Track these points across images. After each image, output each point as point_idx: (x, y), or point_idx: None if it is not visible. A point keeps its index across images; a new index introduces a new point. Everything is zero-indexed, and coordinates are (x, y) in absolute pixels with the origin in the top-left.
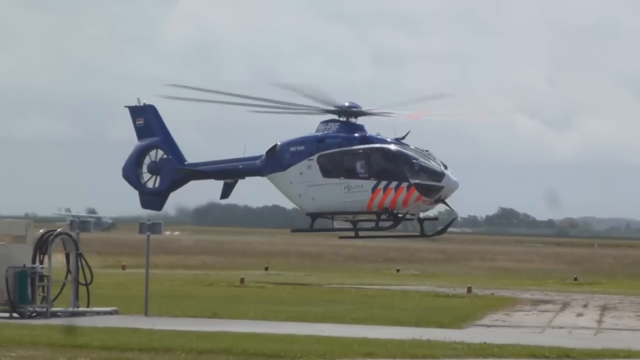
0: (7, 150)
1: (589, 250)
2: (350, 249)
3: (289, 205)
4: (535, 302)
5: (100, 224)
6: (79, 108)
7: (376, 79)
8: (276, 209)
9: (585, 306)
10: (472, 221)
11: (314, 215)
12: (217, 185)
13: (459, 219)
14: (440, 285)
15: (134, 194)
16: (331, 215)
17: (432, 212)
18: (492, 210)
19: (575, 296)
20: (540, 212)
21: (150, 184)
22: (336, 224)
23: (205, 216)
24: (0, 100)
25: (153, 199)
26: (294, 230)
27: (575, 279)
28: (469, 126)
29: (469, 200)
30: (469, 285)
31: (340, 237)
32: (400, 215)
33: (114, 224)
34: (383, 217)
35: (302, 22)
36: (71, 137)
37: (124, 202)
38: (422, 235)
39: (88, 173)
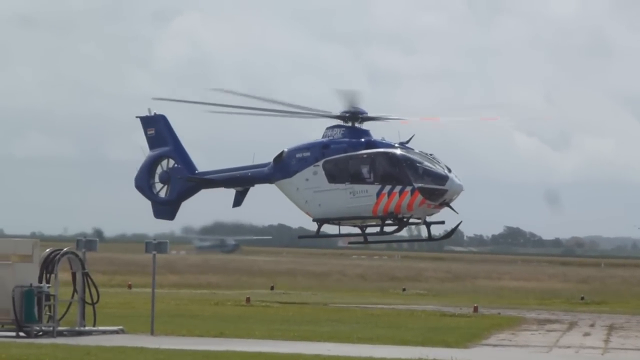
0: (8, 170)
1: (595, 270)
2: (357, 268)
3: (294, 224)
4: (542, 322)
5: (224, 246)
6: (78, 127)
7: (371, 97)
8: (282, 228)
9: (592, 326)
10: (478, 240)
11: (321, 221)
12: (224, 203)
13: (465, 238)
14: (446, 304)
15: (139, 212)
16: (337, 221)
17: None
18: (498, 230)
19: (582, 316)
20: (547, 231)
21: (162, 194)
22: (342, 230)
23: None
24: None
25: (165, 208)
26: (301, 237)
27: (582, 298)
28: (468, 144)
29: (475, 219)
30: (475, 305)
31: (350, 243)
32: (405, 220)
33: (238, 245)
34: (388, 221)
35: (296, 40)
36: (71, 156)
37: (129, 221)
38: (430, 239)
39: (90, 192)
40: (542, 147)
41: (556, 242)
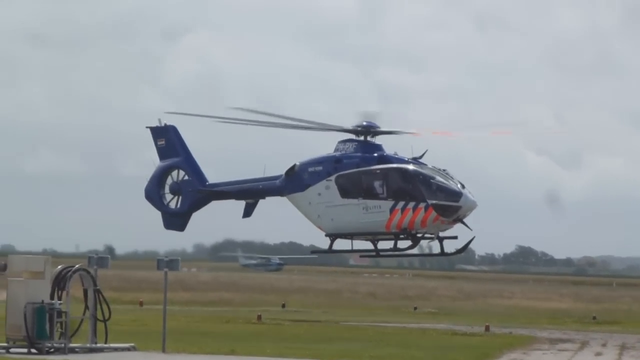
0: (18, 186)
1: (607, 289)
2: (368, 286)
3: (305, 241)
4: (554, 341)
5: (269, 265)
6: (87, 143)
7: (382, 115)
8: (293, 245)
9: (604, 345)
10: (489, 259)
11: (333, 236)
12: (235, 221)
13: (476, 256)
14: (457, 323)
15: (150, 229)
16: (350, 236)
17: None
18: (509, 249)
19: (594, 335)
20: (558, 250)
21: (172, 205)
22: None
23: (222, 252)
24: (8, 136)
25: (175, 219)
26: (313, 252)
27: (594, 318)
28: (479, 162)
29: (487, 238)
30: (487, 324)
31: (362, 256)
32: (418, 236)
33: (282, 264)
34: (401, 237)
35: (305, 58)
36: (81, 172)
37: (140, 238)
38: (442, 254)
39: (101, 208)
40: (553, 165)
41: (568, 262)
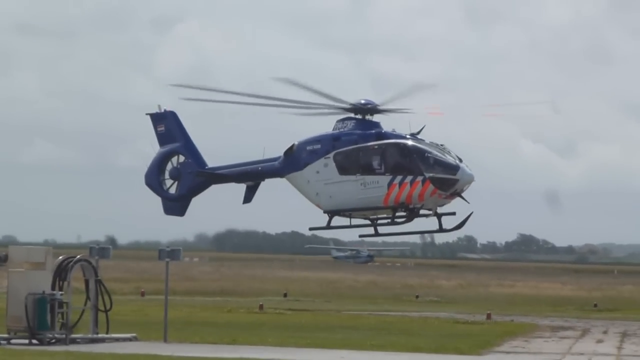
0: (16, 177)
1: (608, 277)
2: (370, 275)
3: (307, 231)
4: (555, 329)
5: (358, 257)
6: (83, 135)
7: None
8: (295, 235)
9: (605, 333)
10: (491, 247)
11: (332, 213)
12: (237, 209)
13: (478, 245)
14: (459, 311)
15: (152, 219)
16: (349, 212)
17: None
18: (511, 237)
19: (595, 323)
20: (560, 238)
21: (172, 190)
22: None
23: (224, 242)
24: (4, 128)
25: (175, 204)
26: (311, 229)
27: (595, 305)
28: (474, 152)
29: (489, 227)
30: (489, 312)
31: (361, 236)
32: (416, 210)
33: (372, 256)
34: (399, 212)
35: (296, 47)
36: (77, 163)
37: (142, 228)
38: (441, 230)
39: (101, 199)
40: (549, 154)
41: (569, 250)
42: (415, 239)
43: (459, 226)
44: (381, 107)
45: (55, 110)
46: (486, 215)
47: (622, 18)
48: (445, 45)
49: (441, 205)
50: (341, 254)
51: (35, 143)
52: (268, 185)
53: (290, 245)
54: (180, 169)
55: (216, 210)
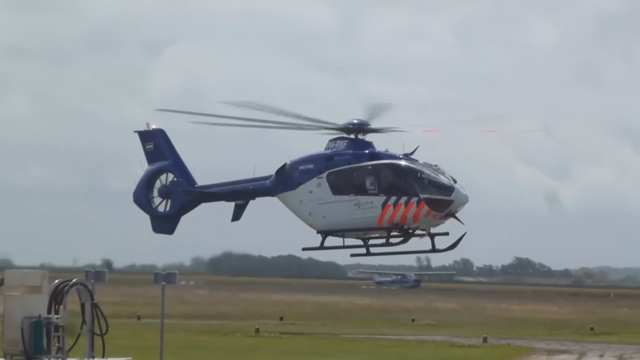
0: (11, 201)
1: (605, 300)
2: (366, 299)
3: (303, 254)
4: (552, 352)
5: (405, 282)
6: (76, 158)
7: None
8: (291, 258)
9: (601, 356)
10: (487, 271)
11: (325, 233)
12: (233, 232)
13: (474, 268)
14: (455, 335)
15: (148, 242)
16: (342, 232)
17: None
18: (507, 260)
19: (592, 346)
20: (556, 262)
21: (161, 208)
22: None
23: (220, 266)
24: None
25: (164, 222)
26: (305, 249)
27: (592, 328)
28: (469, 175)
29: (485, 250)
30: (485, 335)
31: (352, 255)
32: (410, 231)
33: (419, 281)
34: (393, 233)
35: (287, 70)
36: (71, 186)
37: (136, 251)
38: (434, 250)
39: (96, 222)
40: (543, 177)
41: (565, 273)
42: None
43: (453, 246)
44: (373, 127)
45: (47, 132)
46: (482, 239)
47: (611, 40)
48: (436, 67)
49: (435, 226)
50: (385, 279)
51: (28, 166)
52: (263, 208)
53: (287, 269)
54: (170, 187)
55: (212, 233)
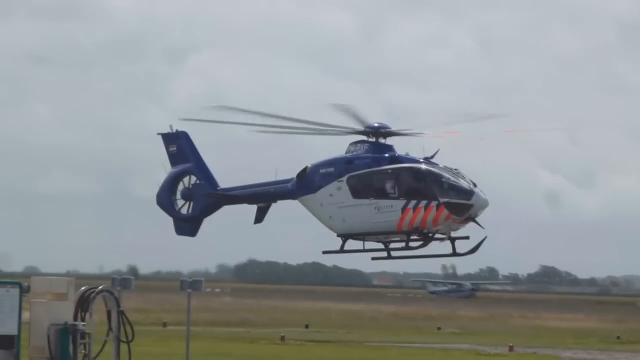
0: (34, 207)
1: (631, 309)
2: (391, 307)
3: (328, 262)
4: None
5: (461, 291)
6: (99, 164)
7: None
8: (316, 265)
9: None
10: (513, 279)
11: (345, 237)
12: (258, 239)
13: (500, 276)
14: (481, 343)
15: (172, 248)
16: (362, 236)
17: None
18: (533, 268)
19: (618, 355)
20: (582, 270)
21: (184, 210)
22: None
23: (245, 273)
24: (19, 157)
25: (187, 225)
26: (325, 252)
27: (618, 337)
28: (492, 182)
29: (511, 258)
30: (511, 344)
31: (373, 259)
32: (430, 235)
33: (476, 290)
34: (413, 237)
35: (309, 78)
36: (95, 193)
37: (161, 257)
38: (454, 254)
39: (121, 229)
40: (568, 185)
41: (592, 282)
42: (437, 269)
43: (473, 250)
44: (394, 130)
45: (70, 140)
46: (508, 247)
47: (635, 48)
48: (458, 75)
49: (455, 230)
50: (440, 288)
51: (52, 173)
52: (289, 215)
53: (312, 276)
54: (192, 190)
55: (237, 240)
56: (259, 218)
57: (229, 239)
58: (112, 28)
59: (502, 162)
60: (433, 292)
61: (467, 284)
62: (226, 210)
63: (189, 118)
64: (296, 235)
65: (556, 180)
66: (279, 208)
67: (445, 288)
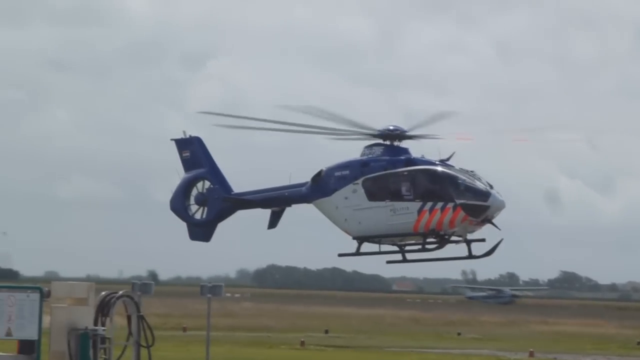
0: (55, 213)
1: None
2: (411, 312)
3: (348, 267)
4: None
5: (500, 297)
6: (118, 169)
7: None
8: (335, 271)
9: None
10: (533, 284)
11: (361, 239)
12: (277, 245)
13: (521, 282)
14: (501, 349)
15: (192, 254)
16: (378, 238)
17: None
18: (553, 274)
19: None
20: (603, 276)
21: (197, 215)
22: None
23: (265, 278)
24: (41, 163)
25: (201, 230)
26: (341, 255)
27: (638, 343)
28: (510, 188)
29: (531, 263)
30: (531, 350)
31: (388, 262)
32: (446, 237)
33: (515, 297)
34: (429, 239)
35: (326, 83)
36: (114, 198)
37: (181, 263)
38: (470, 256)
39: (141, 234)
40: (587, 190)
41: (612, 287)
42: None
43: (489, 253)
44: (409, 133)
45: (91, 144)
46: (528, 252)
47: None
48: (476, 80)
49: (471, 232)
50: (479, 293)
51: (72, 178)
52: (308, 221)
53: (331, 281)
54: (206, 195)
55: (256, 245)
56: (273, 223)
57: (249, 244)
58: (130, 33)
59: (521, 166)
60: (471, 298)
61: (507, 290)
62: (246, 216)
63: (207, 112)
64: (316, 241)
65: (575, 186)
66: (296, 213)
67: (484, 294)
